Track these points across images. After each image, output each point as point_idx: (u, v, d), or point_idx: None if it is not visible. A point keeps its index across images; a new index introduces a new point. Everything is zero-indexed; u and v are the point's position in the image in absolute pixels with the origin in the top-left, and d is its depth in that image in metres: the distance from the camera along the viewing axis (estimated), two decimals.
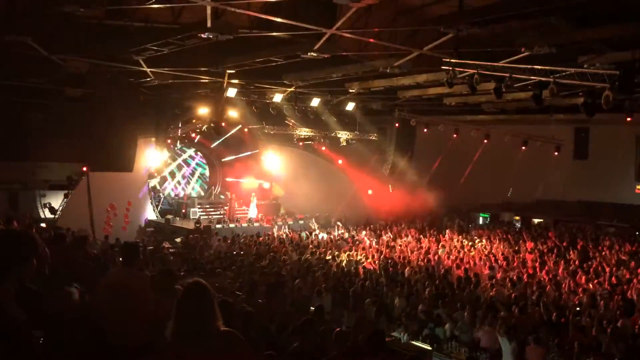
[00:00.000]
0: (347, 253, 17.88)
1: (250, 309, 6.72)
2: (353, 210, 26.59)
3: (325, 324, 7.15)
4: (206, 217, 24.80)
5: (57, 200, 20.32)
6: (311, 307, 9.50)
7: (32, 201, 20.19)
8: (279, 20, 9.51)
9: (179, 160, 28.64)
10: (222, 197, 27.89)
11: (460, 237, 21.31)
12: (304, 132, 25.10)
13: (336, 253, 17.71)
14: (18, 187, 19.85)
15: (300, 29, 10.06)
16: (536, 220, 24.84)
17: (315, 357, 5.36)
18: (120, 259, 5.76)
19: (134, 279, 5.04)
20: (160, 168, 26.63)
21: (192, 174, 29.40)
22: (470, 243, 19.88)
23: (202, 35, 10.44)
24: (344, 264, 16.09)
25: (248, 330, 5.47)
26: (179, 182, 28.82)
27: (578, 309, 11.58)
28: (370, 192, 27.57)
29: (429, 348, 9.37)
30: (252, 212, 25.35)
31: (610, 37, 10.58)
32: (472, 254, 17.96)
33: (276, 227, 23.43)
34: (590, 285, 13.50)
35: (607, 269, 15.37)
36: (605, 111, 13.08)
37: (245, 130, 26.39)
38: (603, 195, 22.55)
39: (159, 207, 25.40)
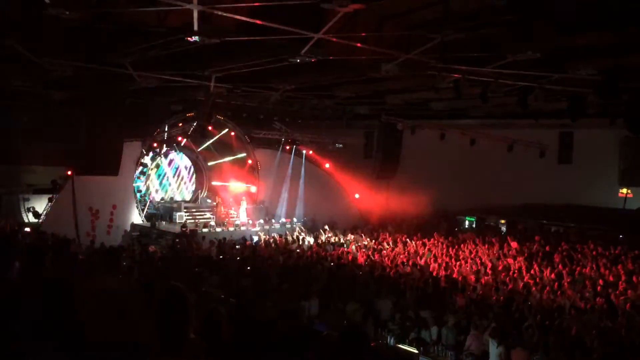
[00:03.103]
0: (334, 257, 17.87)
1: (239, 314, 6.70)
2: (340, 214, 26.60)
3: (313, 328, 7.15)
4: (192, 221, 24.70)
5: (41, 205, 20.11)
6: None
7: (16, 205, 19.96)
8: (266, 24, 9.51)
9: (165, 164, 28.47)
10: (208, 201, 27.78)
11: (446, 240, 21.42)
12: (291, 136, 25.14)
13: (323, 256, 17.71)
14: (1, 191, 19.63)
15: (287, 33, 10.07)
16: (521, 224, 25.02)
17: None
18: (102, 264, 5.71)
19: (115, 285, 5.00)
20: (146, 172, 26.53)
21: (178, 177, 29.23)
22: (456, 247, 20.00)
23: (189, 38, 10.42)
24: (330, 268, 16.09)
25: (237, 335, 5.45)
26: (165, 186, 28.64)
27: (563, 312, 11.71)
28: (357, 196, 27.64)
29: (416, 351, 9.42)
30: (242, 216, 25.29)
31: (595, 43, 10.70)
32: (458, 257, 18.05)
33: (263, 231, 23.38)
34: (575, 288, 13.64)
35: (592, 273, 15.54)
36: (589, 116, 13.27)
37: (232, 133, 26.38)
38: (587, 199, 22.79)
39: (145, 211, 25.24)
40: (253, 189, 27.81)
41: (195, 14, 9.30)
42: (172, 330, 2.96)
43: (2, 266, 3.04)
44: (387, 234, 23.31)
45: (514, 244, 19.57)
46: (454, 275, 15.20)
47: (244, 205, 25.49)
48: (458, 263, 17.05)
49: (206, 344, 3.11)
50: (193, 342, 3.02)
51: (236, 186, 27.47)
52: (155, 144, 25.71)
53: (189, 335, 3.00)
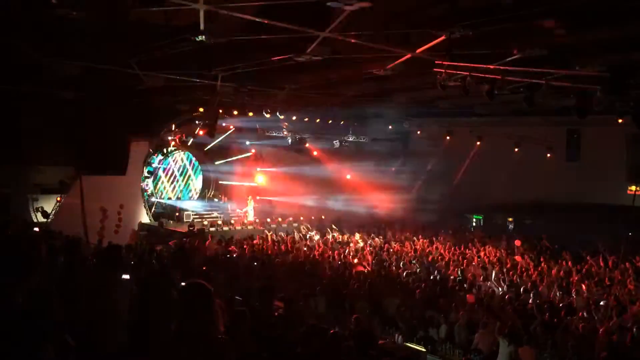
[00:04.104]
0: (341, 255, 17.88)
1: (248, 312, 6.70)
2: (347, 213, 26.61)
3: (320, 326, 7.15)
4: (200, 220, 24.78)
5: (49, 204, 20.22)
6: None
7: (24, 205, 20.07)
8: (272, 23, 9.52)
9: (172, 163, 28.56)
10: (215, 200, 27.84)
11: (453, 238, 21.39)
12: (297, 134, 25.18)
13: (330, 255, 17.71)
14: (9, 190, 19.72)
15: (293, 32, 10.07)
16: (529, 222, 24.94)
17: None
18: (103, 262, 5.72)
19: (109, 282, 5.02)
20: (153, 171, 26.62)
21: (186, 177, 29.32)
22: (463, 245, 19.96)
23: (195, 38, 10.44)
24: (338, 266, 16.09)
25: (246, 333, 5.46)
26: (172, 185, 28.73)
27: (571, 310, 11.66)
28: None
29: (423, 350, 9.40)
30: (250, 215, 25.36)
31: (602, 39, 10.65)
32: (465, 255, 18.03)
33: (270, 229, 23.42)
34: (583, 286, 13.59)
35: (600, 270, 15.48)
36: (597, 113, 13.19)
37: (239, 132, 26.40)
38: (595, 196, 22.67)
39: (152, 211, 25.33)
40: (260, 187, 27.86)
41: (202, 14, 9.32)
42: (200, 327, 2.97)
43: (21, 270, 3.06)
44: (394, 232, 23.31)
45: (517, 242, 19.51)
46: (462, 274, 15.17)
47: (251, 204, 25.55)
48: (465, 261, 17.03)
49: (234, 341, 3.12)
50: (221, 339, 3.03)
51: (243, 185, 27.53)
52: (162, 144, 25.83)
53: (217, 332, 3.01)
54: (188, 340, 2.94)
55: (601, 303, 11.89)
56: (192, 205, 26.52)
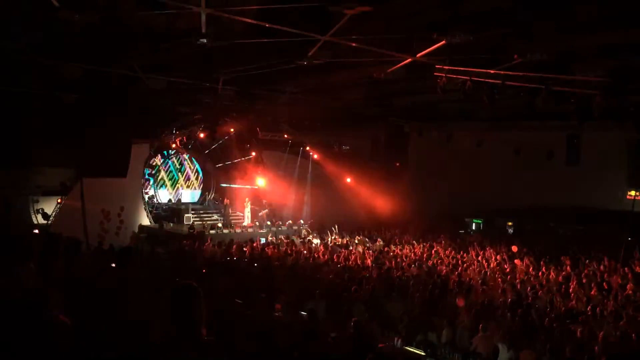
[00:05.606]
0: (342, 258, 17.87)
1: (248, 315, 6.74)
2: (347, 216, 26.60)
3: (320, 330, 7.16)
4: (200, 222, 24.80)
5: (50, 206, 20.24)
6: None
7: (25, 207, 20.09)
8: (273, 26, 9.55)
9: (173, 166, 28.61)
10: (216, 202, 27.86)
11: (453, 242, 21.39)
12: (298, 138, 25.22)
13: (330, 258, 17.72)
14: (10, 192, 19.74)
15: (294, 36, 10.10)
16: (529, 226, 24.95)
17: None
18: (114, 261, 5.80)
19: (109, 279, 5.09)
20: (154, 174, 26.65)
21: (186, 179, 29.36)
22: (463, 249, 19.97)
23: (197, 41, 10.47)
24: (337, 270, 16.09)
25: (246, 336, 5.49)
26: (172, 188, 28.77)
27: (571, 315, 11.66)
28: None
29: (423, 354, 9.40)
30: (247, 217, 25.38)
31: (603, 44, 10.67)
32: (464, 259, 18.03)
33: (270, 233, 23.43)
34: (583, 291, 13.59)
35: (599, 275, 15.47)
36: (597, 118, 13.21)
37: (239, 135, 26.46)
38: (595, 201, 22.70)
39: (153, 213, 25.35)
40: (260, 190, 27.89)
41: (203, 17, 9.35)
42: (185, 327, 2.99)
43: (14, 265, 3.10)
44: (394, 236, 23.31)
45: (514, 248, 19.51)
46: (461, 278, 15.16)
47: (248, 206, 25.55)
48: (465, 265, 17.03)
49: (219, 341, 3.15)
50: (206, 339, 3.05)
51: (243, 188, 27.56)
52: (163, 146, 25.88)
53: (202, 332, 3.04)
54: (175, 342, 2.96)
55: (600, 308, 11.89)
56: (192, 207, 26.51)
